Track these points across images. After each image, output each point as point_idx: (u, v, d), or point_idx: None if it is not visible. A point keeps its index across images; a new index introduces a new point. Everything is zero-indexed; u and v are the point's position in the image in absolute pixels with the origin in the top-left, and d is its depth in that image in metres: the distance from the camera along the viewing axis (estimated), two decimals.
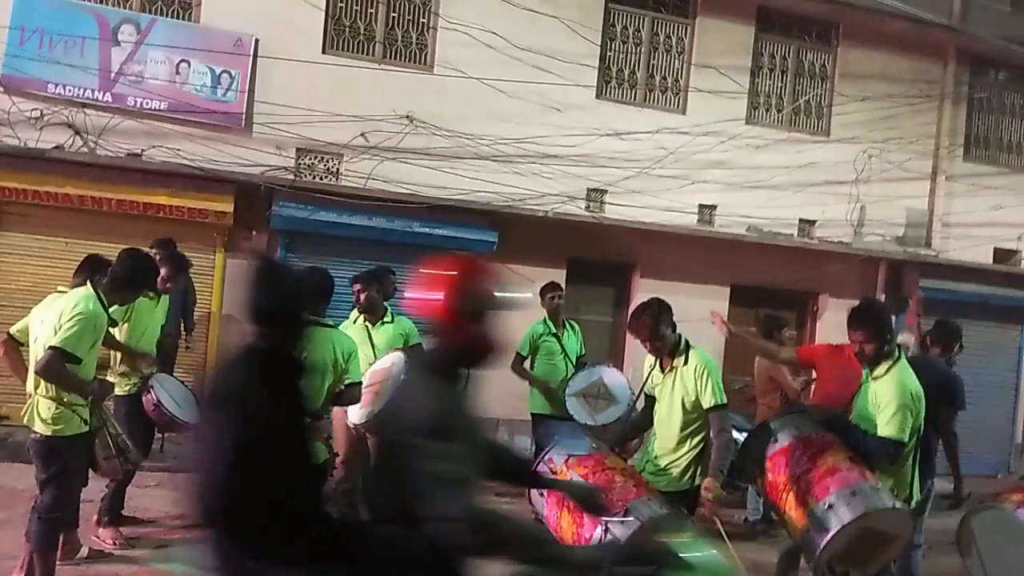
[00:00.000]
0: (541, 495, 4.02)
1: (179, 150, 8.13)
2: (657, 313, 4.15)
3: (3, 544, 4.66)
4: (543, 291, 6.36)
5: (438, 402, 2.30)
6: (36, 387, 3.89)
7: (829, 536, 3.42)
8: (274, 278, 2.53)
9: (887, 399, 3.83)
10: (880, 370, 3.93)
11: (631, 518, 3.54)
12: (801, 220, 10.20)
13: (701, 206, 9.79)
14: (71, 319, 3.79)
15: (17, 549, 4.16)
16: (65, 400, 3.85)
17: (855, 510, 3.45)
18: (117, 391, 5.08)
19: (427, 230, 8.73)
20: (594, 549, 3.17)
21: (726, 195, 9.74)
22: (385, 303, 5.66)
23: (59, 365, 3.76)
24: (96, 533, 5.08)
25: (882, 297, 10.28)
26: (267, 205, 8.39)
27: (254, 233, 8.66)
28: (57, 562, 4.11)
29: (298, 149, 8.66)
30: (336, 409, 5.44)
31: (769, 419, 4.23)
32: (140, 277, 4.16)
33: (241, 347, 2.45)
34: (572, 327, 6.44)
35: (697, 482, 4.05)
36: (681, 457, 4.05)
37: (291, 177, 8.49)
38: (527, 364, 6.38)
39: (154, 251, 6.23)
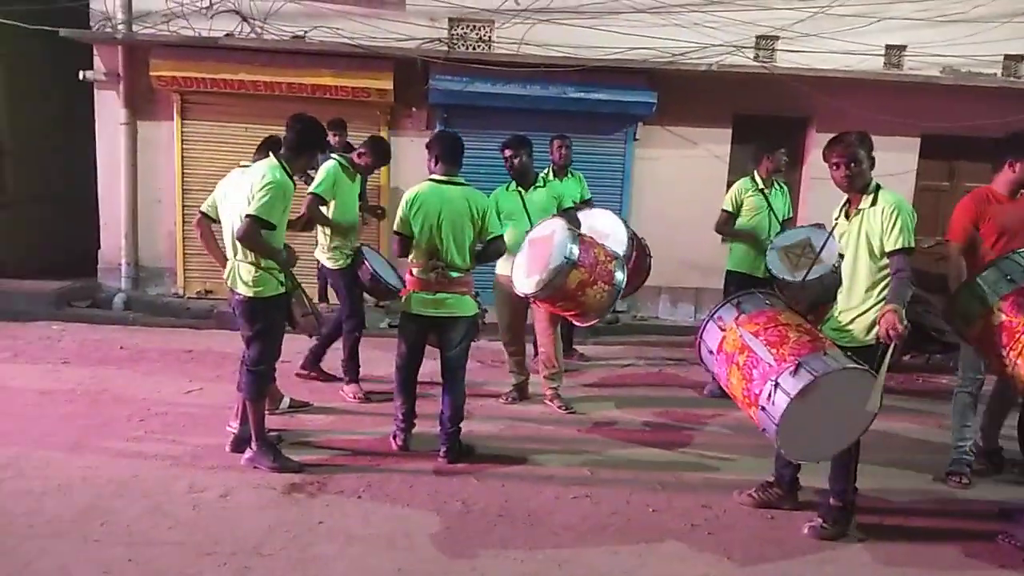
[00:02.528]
0: (711, 353, 3.96)
1: (339, 29, 8.29)
2: (860, 139, 3.87)
3: (219, 396, 5.35)
4: (764, 153, 6.15)
5: None
6: (235, 254, 4.22)
7: None
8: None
9: None
10: None
11: (804, 372, 3.42)
12: (1006, 56, 8.96)
13: (888, 47, 8.82)
14: (262, 188, 4.02)
15: (231, 400, 4.69)
16: (262, 264, 4.15)
17: None
18: (332, 265, 5.48)
19: (582, 95, 8.51)
20: None
21: (917, 32, 8.68)
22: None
23: (255, 232, 4.02)
24: (341, 389, 5.65)
25: None
26: (424, 80, 8.47)
27: (414, 110, 8.83)
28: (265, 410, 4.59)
29: (450, 19, 8.58)
30: (499, 276, 5.59)
31: (994, 260, 3.88)
32: (311, 138, 4.28)
33: None
34: (781, 186, 6.16)
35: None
36: (867, 311, 3.76)
37: (445, 49, 8.46)
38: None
39: (331, 133, 6.49)
